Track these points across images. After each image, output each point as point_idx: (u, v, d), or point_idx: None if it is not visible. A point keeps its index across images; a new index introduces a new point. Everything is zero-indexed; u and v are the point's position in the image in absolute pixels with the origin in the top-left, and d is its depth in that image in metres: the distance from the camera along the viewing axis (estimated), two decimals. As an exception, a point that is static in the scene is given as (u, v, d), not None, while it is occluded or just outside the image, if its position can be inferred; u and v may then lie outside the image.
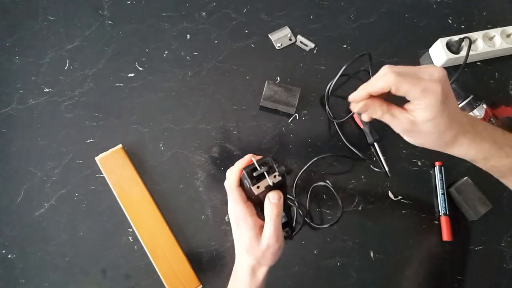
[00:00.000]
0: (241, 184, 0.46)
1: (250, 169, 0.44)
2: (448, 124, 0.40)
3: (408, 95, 0.39)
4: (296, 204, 0.65)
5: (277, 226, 0.44)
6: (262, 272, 0.46)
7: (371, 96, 0.43)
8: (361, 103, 0.43)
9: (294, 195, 0.65)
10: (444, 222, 0.65)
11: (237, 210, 0.46)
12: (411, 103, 0.41)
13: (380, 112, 0.43)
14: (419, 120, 0.40)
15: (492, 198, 0.66)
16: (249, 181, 0.43)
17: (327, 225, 0.65)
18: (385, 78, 0.40)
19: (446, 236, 0.64)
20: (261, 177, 0.44)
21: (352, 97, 0.44)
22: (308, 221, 0.65)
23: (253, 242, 0.45)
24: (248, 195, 0.47)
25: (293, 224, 0.61)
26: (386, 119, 0.43)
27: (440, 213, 0.65)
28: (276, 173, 0.44)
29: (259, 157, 0.46)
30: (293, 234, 0.57)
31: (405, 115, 0.41)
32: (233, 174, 0.45)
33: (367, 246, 0.65)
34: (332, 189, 0.66)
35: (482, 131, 0.42)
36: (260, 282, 0.46)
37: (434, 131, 0.40)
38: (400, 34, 0.75)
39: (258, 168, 0.44)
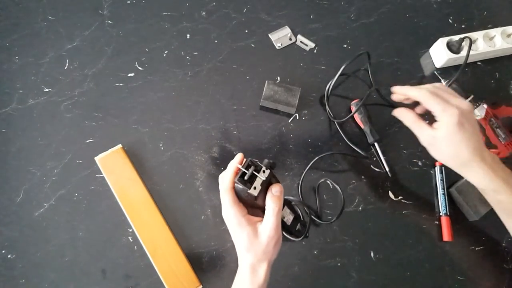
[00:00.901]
0: (236, 193, 0.48)
1: (239, 176, 0.46)
2: (462, 147, 0.47)
3: (432, 110, 0.48)
4: (301, 199, 0.65)
5: (278, 219, 0.47)
6: (263, 269, 0.46)
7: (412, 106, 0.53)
8: (401, 110, 0.53)
9: (300, 196, 0.65)
10: (444, 222, 0.65)
11: (230, 213, 0.47)
12: (437, 121, 0.49)
13: (411, 120, 0.51)
14: (438, 135, 0.48)
15: (493, 198, 0.66)
16: (243, 186, 0.45)
17: (333, 219, 0.64)
18: (422, 91, 0.49)
19: (446, 236, 0.64)
20: (252, 179, 0.46)
21: (395, 89, 0.54)
22: (317, 220, 0.64)
23: (251, 239, 0.46)
24: (244, 200, 0.48)
25: (302, 219, 0.60)
26: (415, 128, 0.51)
27: (441, 213, 0.65)
28: (263, 168, 0.47)
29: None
30: (307, 230, 0.57)
31: (429, 130, 0.49)
32: (227, 176, 0.48)
33: (367, 246, 0.65)
34: (334, 184, 0.66)
35: (498, 169, 0.49)
36: (261, 280, 0.46)
37: (449, 149, 0.48)
38: (400, 34, 0.75)
39: (247, 171, 0.46)
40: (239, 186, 0.46)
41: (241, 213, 0.47)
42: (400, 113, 0.53)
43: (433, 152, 0.51)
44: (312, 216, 0.64)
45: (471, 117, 0.49)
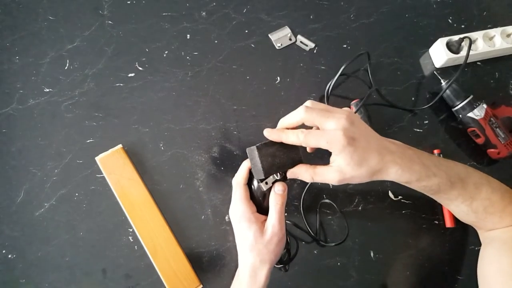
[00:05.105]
0: (249, 184, 0.50)
1: None
2: (368, 159, 0.41)
3: (319, 146, 0.41)
4: (304, 219, 0.64)
5: (281, 215, 0.47)
6: (263, 272, 0.46)
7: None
8: (292, 171, 0.46)
9: (302, 210, 0.65)
10: (446, 210, 0.65)
11: (240, 208, 0.48)
12: (331, 155, 0.42)
13: (309, 177, 0.44)
14: (342, 166, 0.41)
15: (492, 198, 0.66)
16: (257, 179, 0.47)
17: (332, 244, 0.64)
18: (296, 136, 0.42)
19: (449, 222, 0.64)
20: None
21: (267, 132, 0.45)
22: (320, 241, 0.64)
23: (257, 235, 0.47)
24: (254, 195, 0.49)
25: (291, 251, 0.58)
26: (318, 180, 0.43)
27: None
28: None
29: None
30: (288, 262, 0.57)
31: (331, 170, 0.42)
32: (241, 172, 0.49)
33: (367, 246, 0.65)
34: (336, 207, 0.66)
35: (412, 155, 0.44)
36: (261, 283, 0.46)
37: (360, 170, 0.41)
38: (400, 34, 0.75)
39: None
40: (253, 178, 0.47)
41: (250, 210, 0.48)
42: (294, 174, 0.45)
43: (351, 181, 0.43)
44: (313, 236, 0.64)
45: (356, 123, 0.42)
